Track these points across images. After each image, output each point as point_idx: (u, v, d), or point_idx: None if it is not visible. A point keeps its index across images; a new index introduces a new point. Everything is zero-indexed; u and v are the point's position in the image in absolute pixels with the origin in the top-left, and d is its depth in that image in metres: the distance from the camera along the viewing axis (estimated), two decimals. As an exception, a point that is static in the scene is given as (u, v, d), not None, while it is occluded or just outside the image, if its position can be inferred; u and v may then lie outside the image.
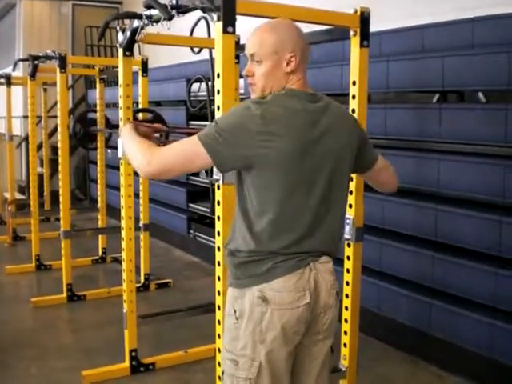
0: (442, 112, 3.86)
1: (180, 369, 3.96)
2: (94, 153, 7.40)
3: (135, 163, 2.07)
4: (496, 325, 3.56)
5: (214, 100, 2.46)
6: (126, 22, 3.60)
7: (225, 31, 2.33)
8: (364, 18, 2.83)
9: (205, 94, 6.21)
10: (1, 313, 5.03)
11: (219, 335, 2.53)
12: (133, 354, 3.89)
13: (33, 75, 6.18)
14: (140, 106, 5.23)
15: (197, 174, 6.61)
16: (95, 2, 11.42)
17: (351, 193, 2.90)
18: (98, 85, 6.42)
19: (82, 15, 11.21)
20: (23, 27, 11.03)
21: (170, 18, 2.84)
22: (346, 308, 3.00)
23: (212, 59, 5.18)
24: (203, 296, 4.93)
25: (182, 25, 3.38)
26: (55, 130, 7.95)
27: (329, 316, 2.11)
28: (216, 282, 2.53)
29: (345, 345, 3.05)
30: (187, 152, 1.98)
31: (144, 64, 5.07)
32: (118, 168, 4.04)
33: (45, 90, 8.00)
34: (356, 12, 2.82)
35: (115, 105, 8.02)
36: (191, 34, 3.94)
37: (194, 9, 2.65)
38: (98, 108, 6.33)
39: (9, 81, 7.48)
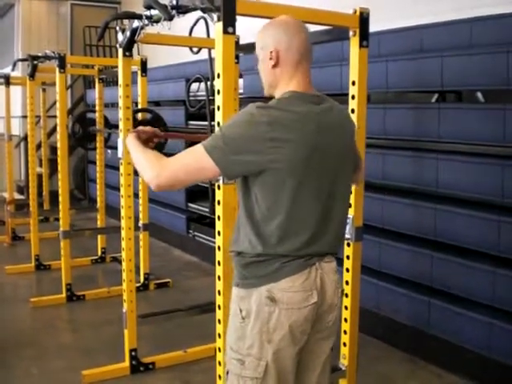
0: (441, 112, 3.87)
1: (180, 368, 3.96)
2: (92, 153, 7.41)
3: (145, 177, 2.09)
4: (495, 324, 3.57)
5: (213, 100, 2.47)
6: (126, 22, 3.61)
7: (225, 31, 2.34)
8: (363, 19, 2.84)
9: (204, 93, 6.21)
10: (0, 313, 5.02)
11: (219, 335, 2.54)
12: (133, 353, 3.89)
13: (32, 75, 6.18)
14: (139, 106, 5.24)
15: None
16: (94, 1, 11.41)
17: (351, 192, 2.90)
18: (96, 85, 6.43)
19: (81, 15, 11.20)
20: (22, 27, 11.02)
21: (171, 18, 2.85)
22: (346, 307, 3.01)
23: (211, 59, 5.19)
24: (202, 296, 4.93)
25: (182, 24, 3.39)
26: (54, 129, 7.97)
27: (333, 314, 2.13)
28: (216, 281, 2.53)
29: (344, 344, 3.05)
30: (195, 164, 1.98)
31: (143, 64, 5.08)
32: (116, 168, 4.05)
33: (44, 89, 8.01)
34: (355, 12, 2.83)
35: (114, 105, 8.05)
36: (190, 34, 3.95)
37: (194, 9, 2.66)
38: (96, 108, 6.33)
39: (8, 81, 7.48)
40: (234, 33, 2.36)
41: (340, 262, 2.62)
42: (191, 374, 3.89)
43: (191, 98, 6.67)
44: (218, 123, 2.37)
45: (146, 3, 3.05)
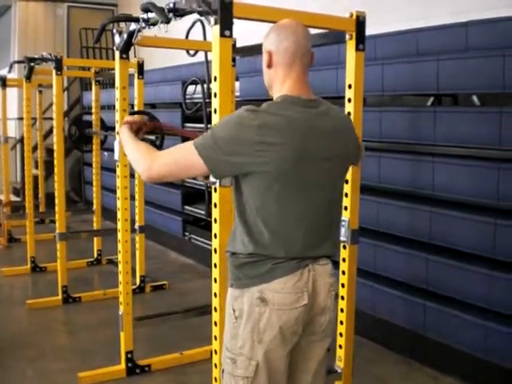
0: (437, 115, 3.88)
1: (176, 371, 3.97)
2: (89, 155, 7.41)
3: (137, 168, 2.18)
4: (490, 326, 3.58)
5: (209, 102, 2.48)
6: (122, 24, 3.61)
7: (222, 35, 2.35)
8: (359, 22, 2.85)
9: (200, 96, 6.21)
10: (-4, 315, 5.03)
11: (215, 337, 2.54)
12: (129, 355, 3.89)
13: (28, 77, 6.18)
14: (136, 109, 5.24)
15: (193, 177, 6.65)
16: (90, 4, 11.42)
17: (346, 195, 2.92)
18: (93, 87, 6.43)
19: (78, 17, 11.20)
20: (19, 29, 11.01)
21: (168, 21, 2.86)
22: (342, 310, 3.02)
23: (207, 62, 5.19)
24: (199, 298, 4.94)
25: (179, 27, 3.39)
26: (50, 131, 7.97)
27: (326, 317, 2.13)
28: (212, 283, 2.54)
29: (340, 346, 3.06)
30: (184, 160, 2.04)
31: (140, 66, 5.08)
32: (113, 170, 4.05)
33: (40, 91, 8.00)
34: (352, 16, 2.84)
35: (110, 107, 8.05)
36: (187, 37, 3.96)
37: (192, 12, 2.66)
38: (93, 110, 6.33)
39: (4, 83, 7.47)
40: (230, 36, 2.37)
41: (336, 265, 2.63)
42: (187, 377, 3.90)
43: (188, 101, 6.67)
44: (214, 126, 2.38)
45: (144, 6, 3.06)
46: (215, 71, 2.39)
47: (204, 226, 6.79)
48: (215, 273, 2.51)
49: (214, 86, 2.40)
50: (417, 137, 4.02)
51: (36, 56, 5.67)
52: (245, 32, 3.35)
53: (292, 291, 2.02)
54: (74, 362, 4.04)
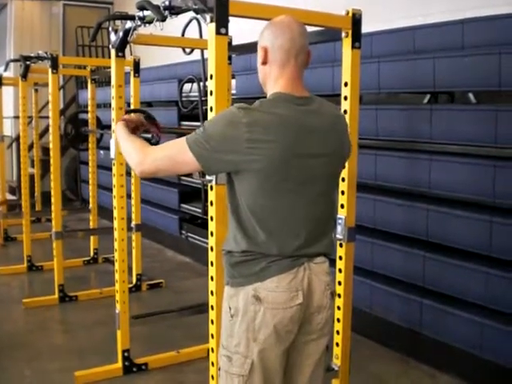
0: (433, 113, 3.88)
1: (172, 369, 3.97)
2: (85, 153, 7.40)
3: (130, 162, 2.20)
4: (487, 324, 3.58)
5: (205, 100, 2.48)
6: (118, 22, 3.61)
7: (218, 32, 2.34)
8: (356, 20, 2.84)
9: (196, 94, 6.21)
10: (-8, 314, 5.02)
11: (212, 335, 2.54)
12: (125, 354, 3.89)
13: (24, 76, 6.16)
14: (132, 107, 5.23)
15: (189, 175, 6.65)
16: (86, 2, 11.40)
17: (343, 193, 2.92)
18: (89, 85, 6.42)
19: (73, 15, 11.18)
20: (14, 27, 11.00)
21: (163, 19, 2.85)
22: (339, 308, 3.02)
23: (204, 60, 5.19)
24: (195, 296, 4.94)
25: (175, 25, 3.39)
26: (46, 130, 7.95)
27: (323, 316, 2.12)
28: (209, 282, 2.54)
29: (337, 344, 3.06)
30: (176, 156, 2.06)
31: (136, 64, 5.07)
32: (109, 168, 4.04)
33: (36, 90, 7.99)
34: (348, 14, 2.84)
35: (106, 105, 8.05)
36: (183, 34, 3.96)
37: (187, 10, 2.66)
38: (89, 108, 6.32)
39: (0, 81, 7.45)
40: (226, 34, 2.37)
41: (332, 263, 2.63)
42: (184, 375, 3.90)
43: (184, 99, 6.67)
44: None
45: (139, 4, 3.05)
46: (211, 69, 2.38)
47: (201, 224, 6.79)
48: (212, 271, 2.50)
49: (210, 84, 2.39)
50: (413, 134, 4.02)
51: (32, 54, 5.66)
52: (241, 30, 3.35)
53: (286, 290, 2.01)
54: (70, 361, 4.04)
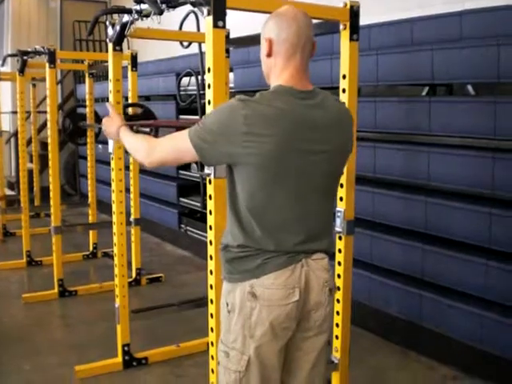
0: (432, 105, 3.87)
1: (173, 363, 3.97)
2: (83, 148, 7.39)
3: (138, 156, 2.31)
4: (486, 316, 3.59)
5: (204, 94, 2.47)
6: (115, 16, 3.60)
7: (215, 25, 2.33)
8: (353, 12, 2.83)
9: (195, 88, 6.20)
10: (-8, 309, 5.02)
11: (212, 329, 2.54)
12: (125, 348, 3.89)
13: (22, 71, 6.15)
14: (130, 101, 5.22)
15: (188, 169, 6.66)
16: (83, -4, 11.38)
17: (342, 186, 2.91)
18: (87, 79, 6.40)
19: (71, 10, 11.15)
20: (12, 22, 10.96)
21: (160, 12, 2.84)
22: (338, 300, 3.02)
23: (201, 53, 5.18)
24: (195, 290, 4.95)
25: (174, 19, 3.38)
26: (44, 125, 7.93)
27: (321, 313, 2.09)
28: (208, 275, 2.54)
29: (336, 337, 3.06)
30: (179, 147, 2.10)
31: (133, 58, 5.06)
32: (107, 163, 4.04)
33: (34, 85, 7.97)
34: (346, 6, 2.82)
35: (104, 99, 8.02)
36: (180, 28, 3.94)
37: (184, 3, 2.65)
38: (87, 103, 6.31)
39: (-3, 76, 7.45)
40: (224, 27, 2.36)
41: (332, 256, 2.63)
42: (184, 369, 3.90)
43: (182, 93, 6.66)
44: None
45: (136, -3, 3.05)
46: (209, 62, 2.37)
47: (200, 218, 6.79)
48: (211, 265, 2.50)
49: (208, 78, 2.38)
50: (412, 127, 4.02)
51: (29, 49, 5.65)
52: (238, 22, 3.34)
53: (282, 287, 1.99)
54: (70, 356, 4.04)
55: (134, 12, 3.24)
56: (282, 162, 1.95)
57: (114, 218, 3.90)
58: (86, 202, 6.96)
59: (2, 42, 11.23)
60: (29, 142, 8.01)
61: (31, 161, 8.37)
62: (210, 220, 2.47)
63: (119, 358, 3.90)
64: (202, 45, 4.65)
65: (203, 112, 2.18)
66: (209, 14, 2.34)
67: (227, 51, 3.75)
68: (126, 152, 2.74)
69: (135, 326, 4.08)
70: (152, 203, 7.43)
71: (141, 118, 4.61)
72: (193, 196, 6.88)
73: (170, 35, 4.14)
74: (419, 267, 4.00)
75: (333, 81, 4.08)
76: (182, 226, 7.09)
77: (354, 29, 2.84)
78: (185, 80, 6.60)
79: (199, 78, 5.97)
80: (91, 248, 6.69)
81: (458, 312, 3.74)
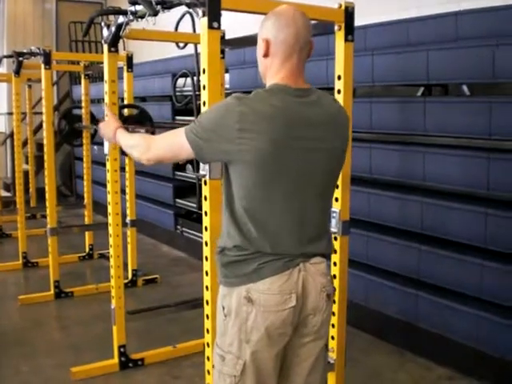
0: (427, 105, 3.88)
1: (169, 364, 3.97)
2: (79, 149, 7.38)
3: (135, 155, 2.30)
4: (482, 316, 3.59)
5: (199, 95, 2.47)
6: (111, 17, 3.60)
7: (210, 26, 2.33)
8: (348, 13, 2.83)
9: (190, 89, 6.20)
10: (-12, 311, 5.01)
11: (208, 330, 2.54)
12: (121, 349, 3.89)
13: (17, 72, 6.14)
14: (125, 102, 5.22)
15: (184, 170, 6.65)
16: (79, -3, 11.37)
17: (337, 186, 2.91)
18: (82, 81, 6.40)
19: (66, 11, 11.14)
20: (7, 23, 10.94)
21: (155, 13, 2.84)
22: (334, 301, 3.00)
23: (197, 54, 5.18)
24: (191, 291, 4.94)
25: (170, 20, 3.38)
26: (40, 126, 7.92)
27: (319, 318, 2.06)
28: (204, 277, 2.53)
29: (332, 337, 3.05)
30: (175, 144, 2.10)
31: (129, 59, 5.06)
32: (103, 164, 4.03)
33: (29, 86, 7.96)
34: (340, 7, 2.82)
35: (100, 100, 8.02)
36: (176, 29, 3.95)
37: (179, 4, 2.65)
38: (83, 104, 6.31)
39: (-7, 78, 7.44)
40: (219, 28, 2.35)
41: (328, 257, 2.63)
42: (181, 370, 3.90)
43: (178, 94, 6.66)
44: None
45: (131, -2, 3.05)
46: (204, 63, 2.37)
47: (196, 219, 6.79)
48: (206, 266, 2.50)
49: (203, 79, 2.38)
50: (407, 127, 4.02)
51: (25, 50, 5.64)
52: (233, 24, 3.34)
53: (279, 292, 1.96)
54: (66, 357, 4.03)
55: (129, 13, 3.24)
56: (277, 160, 1.93)
57: (110, 220, 3.90)
58: (81, 204, 6.96)
59: (-2, 43, 11.22)
60: (25, 144, 8.01)
61: (27, 162, 8.37)
62: (206, 221, 2.47)
63: (115, 360, 3.89)
64: (198, 45, 4.65)
65: (199, 113, 2.17)
66: (204, 15, 2.34)
67: (222, 52, 3.75)
68: (123, 153, 2.76)
69: (131, 328, 4.08)
70: (148, 204, 7.42)
71: (136, 119, 4.61)
72: (189, 197, 6.88)
73: (165, 36, 4.14)
74: (415, 267, 4.00)
75: (328, 82, 4.08)
76: (178, 227, 7.08)
77: (349, 29, 2.84)
78: (180, 81, 6.61)
79: (195, 78, 5.97)
80: (87, 249, 6.68)
81: (455, 312, 3.75)
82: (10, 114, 8.46)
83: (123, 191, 4.47)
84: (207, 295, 2.52)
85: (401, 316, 4.13)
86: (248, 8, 2.57)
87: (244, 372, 2.00)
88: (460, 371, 3.74)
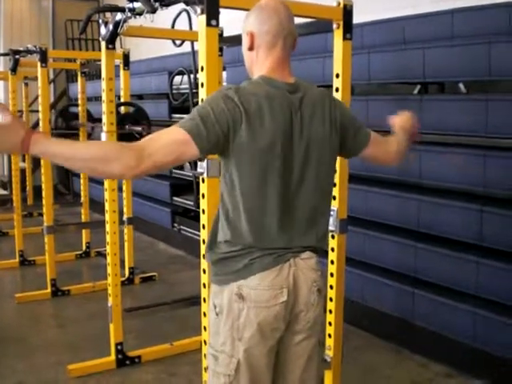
0: (424, 103, 3.89)
1: (166, 361, 3.97)
2: (76, 147, 7.35)
3: (113, 168, 1.76)
4: (478, 313, 3.60)
5: (196, 93, 2.47)
6: (108, 15, 3.59)
7: (208, 24, 2.34)
8: (347, 11, 2.83)
9: (187, 86, 6.20)
10: (-15, 309, 5.01)
11: (205, 327, 2.54)
12: (118, 347, 3.89)
13: (14, 70, 6.14)
14: (122, 100, 5.21)
15: (181, 168, 6.64)
16: (76, -6, 11.35)
17: (335, 184, 2.91)
18: (79, 78, 6.39)
19: (63, 8, 11.12)
20: (3, 21, 10.91)
21: (153, 10, 2.84)
22: (331, 299, 3.02)
23: (194, 52, 5.17)
24: (188, 289, 4.94)
25: (167, 17, 3.38)
26: (37, 124, 7.90)
27: (311, 314, 2.05)
28: (201, 274, 2.54)
29: (329, 335, 3.07)
30: (175, 141, 1.85)
31: (126, 57, 5.06)
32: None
33: (26, 84, 7.95)
34: (339, 5, 2.83)
35: (97, 98, 8.01)
36: (173, 26, 3.94)
37: (177, 1, 2.65)
38: (79, 102, 6.30)
39: (-11, 75, 7.43)
40: (217, 25, 2.36)
41: (325, 254, 2.63)
42: (178, 367, 3.90)
43: (174, 91, 6.65)
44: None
45: (129, -4, 3.05)
46: (202, 61, 2.38)
47: (193, 216, 6.79)
48: (204, 263, 2.50)
49: (201, 76, 2.38)
50: (404, 125, 4.02)
51: (21, 48, 5.63)
52: (232, 21, 3.34)
53: (269, 288, 1.95)
54: (63, 355, 4.03)
55: (126, 10, 3.24)
56: (269, 150, 1.91)
57: (107, 217, 3.90)
58: (78, 201, 6.95)
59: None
60: (21, 142, 7.98)
61: (24, 160, 8.35)
62: (203, 219, 2.47)
63: (112, 357, 3.90)
64: (195, 43, 4.64)
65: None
66: (202, 13, 2.34)
67: (220, 50, 3.75)
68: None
69: (128, 325, 4.08)
70: (145, 202, 7.42)
71: (133, 117, 4.61)
72: (186, 195, 6.87)
73: (162, 34, 4.14)
74: (412, 265, 4.01)
75: (325, 79, 4.08)
76: (175, 224, 7.08)
77: (348, 28, 2.84)
78: (177, 79, 6.60)
79: (191, 76, 5.97)
80: (84, 247, 6.68)
81: (451, 310, 3.76)
82: (7, 111, 8.42)
83: (120, 189, 4.47)
84: (204, 293, 2.53)
85: (397, 313, 4.14)
86: (246, 5, 2.55)
87: (238, 370, 1.99)
88: (457, 368, 3.75)
